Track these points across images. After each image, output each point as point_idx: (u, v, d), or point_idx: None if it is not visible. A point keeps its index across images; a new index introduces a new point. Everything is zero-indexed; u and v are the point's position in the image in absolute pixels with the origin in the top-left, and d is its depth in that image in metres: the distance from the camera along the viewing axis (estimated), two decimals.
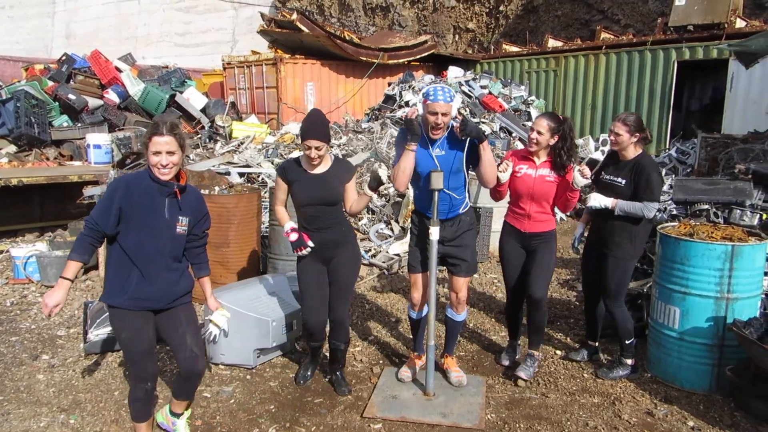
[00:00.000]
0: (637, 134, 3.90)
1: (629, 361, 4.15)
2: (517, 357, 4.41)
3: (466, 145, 3.62)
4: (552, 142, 3.84)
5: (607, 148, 11.12)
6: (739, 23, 11.73)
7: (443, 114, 3.48)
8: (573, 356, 4.44)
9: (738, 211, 4.90)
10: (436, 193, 3.56)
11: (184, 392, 3.24)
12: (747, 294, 3.82)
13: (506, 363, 4.37)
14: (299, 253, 3.68)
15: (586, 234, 4.37)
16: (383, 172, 3.80)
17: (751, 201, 5.14)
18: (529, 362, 4.12)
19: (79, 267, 2.91)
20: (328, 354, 4.15)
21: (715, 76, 13.50)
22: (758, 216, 4.81)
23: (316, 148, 3.53)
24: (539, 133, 3.83)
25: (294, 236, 3.64)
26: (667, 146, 12.34)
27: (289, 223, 3.69)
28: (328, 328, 3.95)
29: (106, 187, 3.02)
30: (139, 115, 11.12)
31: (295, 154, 9.08)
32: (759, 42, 8.35)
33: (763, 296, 4.06)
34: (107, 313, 4.69)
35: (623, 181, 3.94)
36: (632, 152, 3.98)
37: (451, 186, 3.66)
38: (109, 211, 2.85)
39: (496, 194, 4.06)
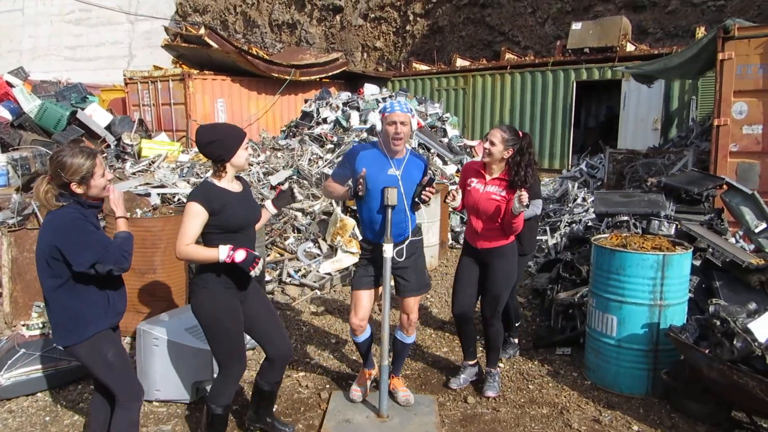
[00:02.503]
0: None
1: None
2: (471, 380, 4.24)
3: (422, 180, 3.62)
4: (506, 155, 3.76)
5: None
6: (629, 47, 12.73)
7: (402, 123, 3.48)
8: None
9: (656, 221, 5.21)
10: (390, 209, 3.51)
11: None
12: (677, 300, 4.05)
13: (454, 387, 4.17)
14: (256, 268, 2.98)
15: None
16: (298, 192, 3.65)
17: (665, 212, 5.50)
18: (491, 380, 4.13)
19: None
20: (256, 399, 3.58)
21: (608, 96, 14.56)
22: (674, 225, 5.14)
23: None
24: (492, 143, 3.74)
25: (241, 253, 2.94)
26: (570, 161, 13.10)
27: (224, 247, 2.97)
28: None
29: (72, 230, 2.86)
30: (36, 134, 10.25)
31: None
32: (653, 67, 9.13)
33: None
34: (20, 353, 4.31)
35: None
36: None
37: (407, 208, 3.63)
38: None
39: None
